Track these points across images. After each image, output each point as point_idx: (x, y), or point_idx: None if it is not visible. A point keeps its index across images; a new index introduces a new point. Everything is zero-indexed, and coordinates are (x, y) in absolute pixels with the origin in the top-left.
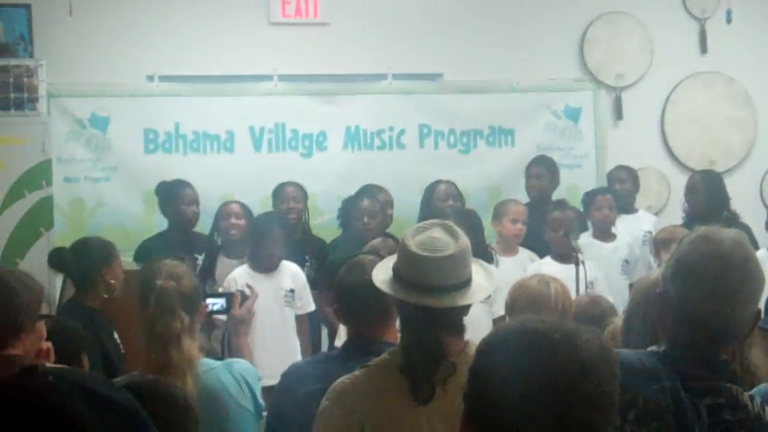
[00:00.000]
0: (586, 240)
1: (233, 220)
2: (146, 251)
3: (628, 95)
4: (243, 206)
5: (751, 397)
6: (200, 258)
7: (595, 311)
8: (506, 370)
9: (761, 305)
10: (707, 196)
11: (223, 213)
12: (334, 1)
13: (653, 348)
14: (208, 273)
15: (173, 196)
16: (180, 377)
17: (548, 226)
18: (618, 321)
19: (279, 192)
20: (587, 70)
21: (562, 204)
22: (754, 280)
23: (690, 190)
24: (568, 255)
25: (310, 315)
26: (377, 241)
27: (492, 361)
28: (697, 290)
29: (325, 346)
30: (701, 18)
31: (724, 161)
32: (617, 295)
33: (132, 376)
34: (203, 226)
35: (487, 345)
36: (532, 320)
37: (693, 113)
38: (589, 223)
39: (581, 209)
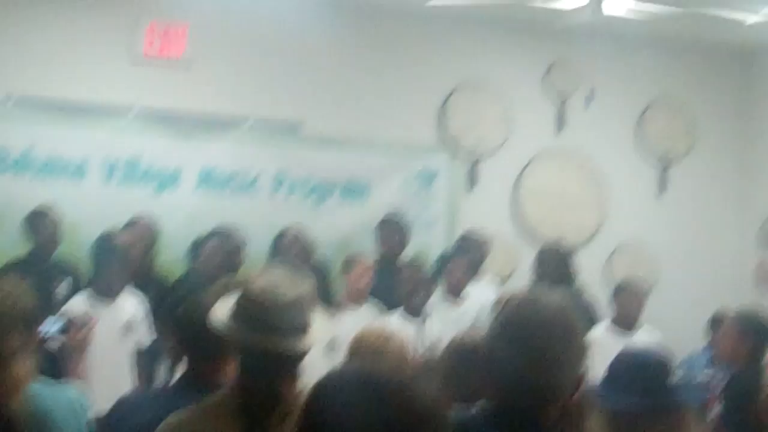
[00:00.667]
0: (437, 300)
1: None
2: (8, 273)
3: (485, 164)
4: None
5: None
6: (60, 286)
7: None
8: (340, 412)
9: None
10: (555, 269)
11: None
12: (202, 39)
13: (481, 406)
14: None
15: (34, 221)
16: (6, 399)
17: (400, 282)
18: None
19: (130, 226)
20: (446, 136)
21: (412, 262)
22: (577, 345)
23: (539, 262)
24: (417, 311)
25: (147, 349)
26: (224, 281)
27: (326, 402)
28: (521, 353)
29: (159, 382)
30: (562, 95)
31: (574, 236)
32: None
33: None
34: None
35: (321, 386)
36: (368, 365)
37: (546, 188)
38: (440, 285)
39: (434, 269)
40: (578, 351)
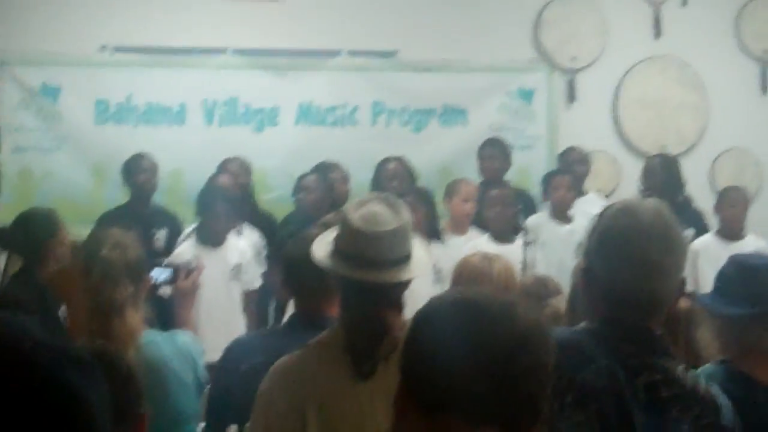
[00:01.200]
0: (542, 220)
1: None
2: (108, 222)
3: (582, 78)
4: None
5: (685, 370)
6: (158, 233)
7: (541, 291)
8: (442, 341)
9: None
10: (663, 180)
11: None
12: None
13: (584, 325)
14: (172, 246)
15: (133, 167)
16: (122, 348)
17: (485, 204)
18: (559, 302)
19: (222, 166)
20: (542, 52)
21: (499, 183)
22: (677, 250)
23: (647, 173)
24: (506, 234)
25: (258, 291)
26: (329, 216)
27: (427, 331)
28: (622, 264)
29: (272, 323)
30: (656, 1)
31: (676, 146)
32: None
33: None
34: (156, 198)
35: (422, 315)
36: (469, 291)
37: (646, 97)
38: (547, 204)
39: (537, 190)
40: (678, 256)
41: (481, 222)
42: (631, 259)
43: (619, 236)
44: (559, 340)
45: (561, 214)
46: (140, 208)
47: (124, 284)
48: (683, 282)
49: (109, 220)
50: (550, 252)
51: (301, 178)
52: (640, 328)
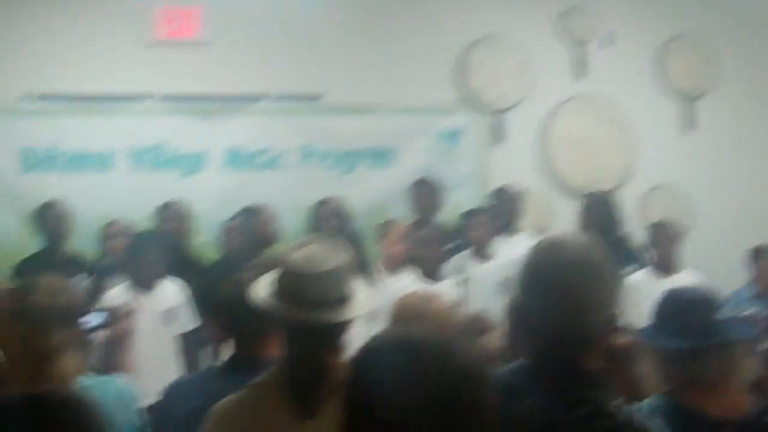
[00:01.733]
0: (464, 259)
1: (118, 240)
2: (24, 270)
3: (509, 118)
4: (126, 225)
5: (618, 405)
6: (80, 278)
7: (479, 327)
8: (383, 380)
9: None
10: (600, 218)
11: (106, 234)
12: (215, 20)
13: (521, 361)
14: (95, 293)
15: (44, 214)
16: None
17: (418, 243)
18: (494, 338)
19: (164, 210)
20: (467, 92)
21: (429, 222)
22: (603, 285)
23: (583, 211)
24: (436, 272)
25: (190, 334)
26: (258, 260)
27: (369, 370)
28: (544, 298)
29: (204, 366)
30: (581, 41)
31: (605, 183)
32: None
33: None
34: (82, 246)
35: (362, 355)
36: (407, 331)
37: (573, 135)
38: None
39: (458, 227)
40: (606, 290)
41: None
42: (553, 293)
43: (543, 271)
44: (499, 377)
45: (481, 252)
46: (54, 255)
47: (57, 329)
48: (614, 316)
49: (24, 268)
50: (473, 289)
51: (226, 222)
52: (571, 363)
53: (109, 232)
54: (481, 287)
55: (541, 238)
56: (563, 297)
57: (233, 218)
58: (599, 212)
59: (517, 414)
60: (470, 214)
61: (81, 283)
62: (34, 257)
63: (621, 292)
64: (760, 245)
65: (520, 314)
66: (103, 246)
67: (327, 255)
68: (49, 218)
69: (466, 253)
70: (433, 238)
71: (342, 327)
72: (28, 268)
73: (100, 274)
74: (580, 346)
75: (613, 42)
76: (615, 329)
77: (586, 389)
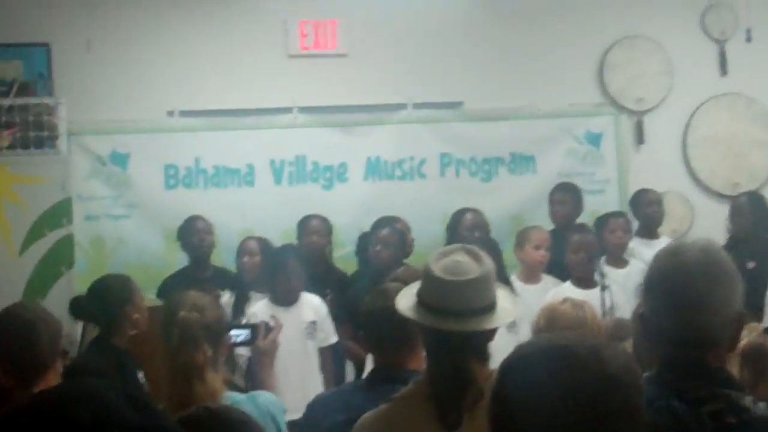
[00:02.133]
0: (602, 265)
1: (246, 258)
2: (169, 287)
3: (649, 119)
4: (259, 241)
5: (753, 400)
6: (224, 293)
7: (621, 334)
8: (530, 388)
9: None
10: (753, 218)
11: (239, 250)
12: (353, 32)
13: (646, 374)
14: (239, 309)
15: (187, 230)
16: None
17: (568, 249)
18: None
19: (303, 225)
20: (607, 95)
21: (582, 228)
22: (723, 285)
23: (734, 213)
24: (588, 279)
25: (333, 347)
26: (401, 270)
27: (516, 379)
28: (663, 303)
29: (349, 379)
30: (720, 39)
31: (748, 183)
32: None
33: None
34: (226, 261)
35: (510, 363)
36: (555, 337)
37: (715, 136)
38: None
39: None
40: (727, 290)
41: (553, 269)
42: (670, 298)
43: (661, 277)
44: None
45: (616, 258)
46: (200, 271)
47: (203, 346)
48: (741, 316)
49: (170, 285)
50: (614, 295)
51: (363, 236)
52: (695, 363)
53: (245, 248)
54: (619, 293)
55: (663, 249)
56: (682, 302)
57: (377, 228)
58: (750, 213)
59: (648, 418)
60: (606, 218)
61: (225, 298)
62: (180, 273)
63: (742, 292)
64: None
65: (644, 321)
66: (240, 261)
67: (469, 264)
68: (192, 234)
69: (602, 258)
70: (588, 244)
71: (486, 336)
72: (174, 284)
73: (244, 289)
74: (706, 346)
75: (752, 39)
76: (741, 327)
77: (713, 386)
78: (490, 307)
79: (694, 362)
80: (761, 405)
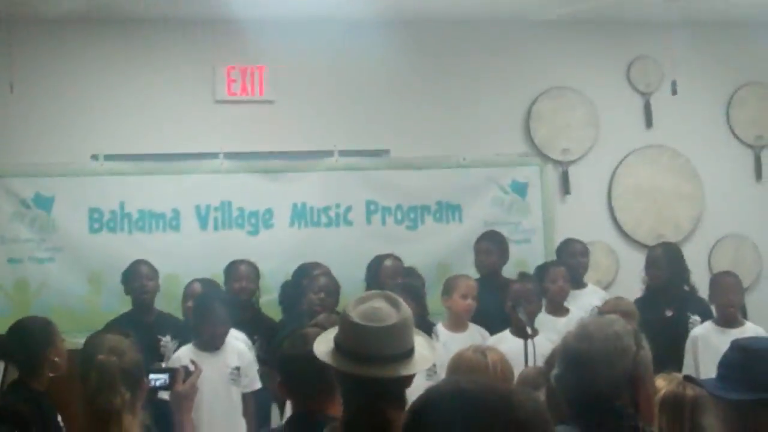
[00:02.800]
0: (539, 315)
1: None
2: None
3: (575, 170)
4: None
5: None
6: (165, 338)
7: (541, 382)
8: (438, 429)
9: None
10: (669, 270)
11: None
12: (280, 78)
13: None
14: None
15: (130, 274)
16: None
17: (507, 299)
18: None
19: (231, 270)
20: (533, 145)
21: (522, 276)
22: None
23: (650, 264)
24: (521, 328)
25: (258, 393)
26: (322, 317)
27: (425, 422)
28: (562, 366)
29: (274, 424)
30: (646, 92)
31: (672, 234)
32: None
33: None
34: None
35: (419, 406)
36: (465, 381)
37: (640, 187)
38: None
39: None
40: (620, 361)
41: (480, 318)
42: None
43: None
44: None
45: (556, 307)
46: (144, 315)
47: (121, 390)
48: (635, 375)
49: (112, 328)
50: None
51: (286, 285)
52: (601, 406)
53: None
54: (549, 343)
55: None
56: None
57: (297, 279)
58: (666, 264)
59: None
60: (547, 267)
61: (168, 343)
62: (123, 318)
63: (638, 360)
64: None
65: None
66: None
67: (387, 310)
68: (136, 278)
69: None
70: (532, 294)
71: (404, 382)
72: (116, 329)
73: (186, 334)
74: (605, 396)
75: (678, 92)
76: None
77: (621, 420)
78: (407, 354)
79: (601, 406)
80: None
